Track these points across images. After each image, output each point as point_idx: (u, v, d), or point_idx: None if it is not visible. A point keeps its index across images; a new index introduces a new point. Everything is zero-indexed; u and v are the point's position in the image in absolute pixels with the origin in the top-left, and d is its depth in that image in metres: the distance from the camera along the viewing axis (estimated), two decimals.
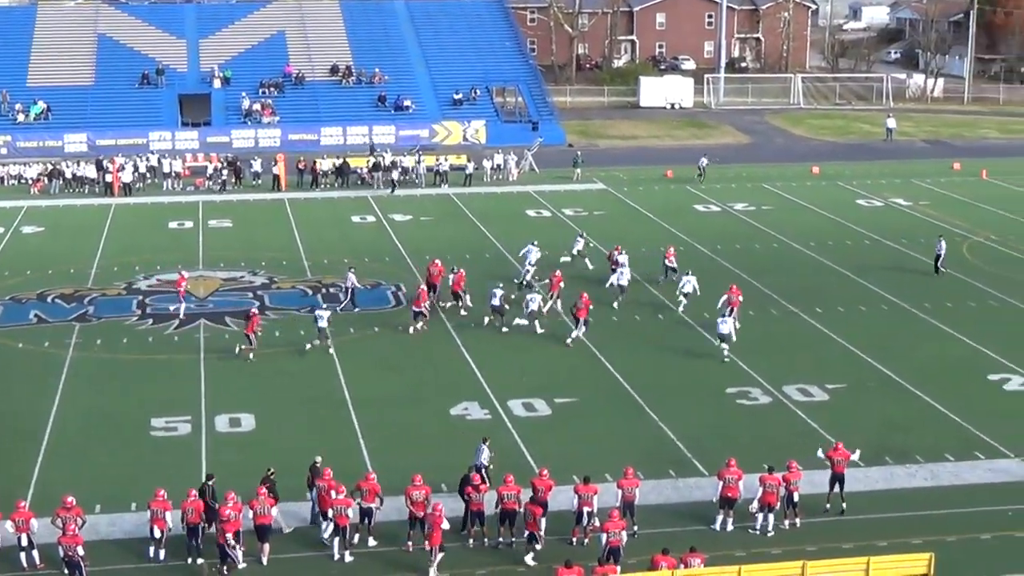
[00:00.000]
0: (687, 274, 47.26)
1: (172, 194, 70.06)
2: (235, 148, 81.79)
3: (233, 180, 71.43)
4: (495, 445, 31.65)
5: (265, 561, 27.60)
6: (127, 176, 69.61)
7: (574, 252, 52.63)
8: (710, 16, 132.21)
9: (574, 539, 28.51)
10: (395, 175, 70.87)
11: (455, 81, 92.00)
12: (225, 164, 72.70)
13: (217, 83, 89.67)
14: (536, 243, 51.67)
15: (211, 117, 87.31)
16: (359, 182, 71.99)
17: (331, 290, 49.44)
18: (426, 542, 27.37)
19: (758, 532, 29.14)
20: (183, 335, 43.98)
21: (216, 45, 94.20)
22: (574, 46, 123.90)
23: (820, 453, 30.82)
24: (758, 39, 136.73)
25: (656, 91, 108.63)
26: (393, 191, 69.62)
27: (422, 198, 68.55)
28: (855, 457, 30.63)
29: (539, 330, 43.62)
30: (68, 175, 71.04)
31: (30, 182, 71.14)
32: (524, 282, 48.57)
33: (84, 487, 30.24)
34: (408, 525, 28.24)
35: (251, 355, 41.09)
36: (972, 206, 66.64)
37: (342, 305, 46.42)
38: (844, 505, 30.15)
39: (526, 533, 28.00)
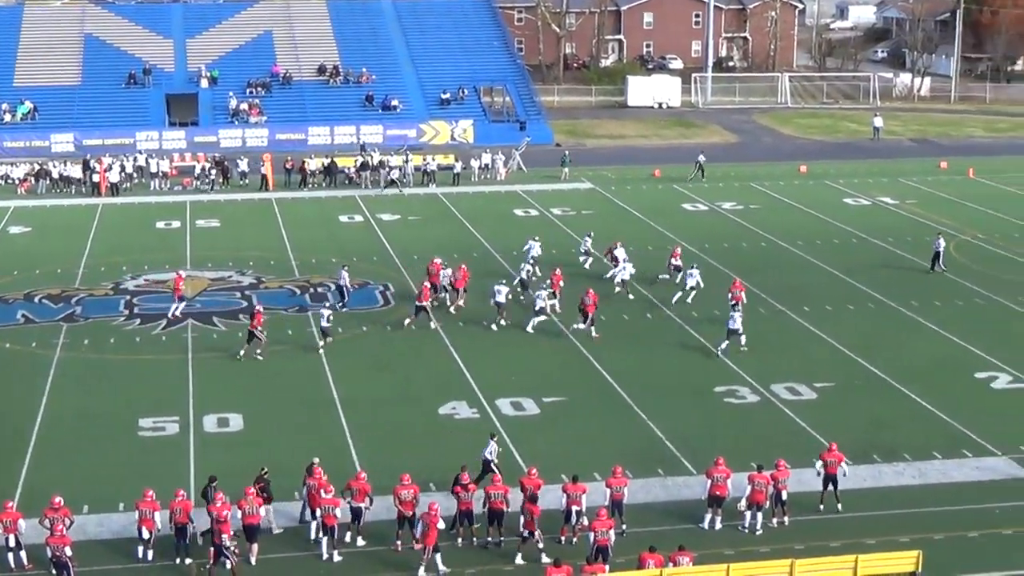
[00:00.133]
0: (693, 267, 47.79)
1: (159, 194, 69.94)
2: (222, 148, 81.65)
3: (221, 180, 71.35)
4: (482, 445, 31.61)
5: (254, 561, 27.55)
6: (114, 176, 69.46)
7: (583, 252, 52.85)
8: (697, 15, 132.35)
9: (562, 538, 28.50)
10: (396, 174, 70.83)
11: (443, 81, 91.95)
12: (212, 164, 72.60)
13: (204, 83, 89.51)
14: (537, 239, 51.93)
15: (198, 117, 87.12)
16: (347, 182, 71.95)
17: (319, 290, 49.41)
18: (414, 541, 27.38)
19: (746, 531, 29.17)
20: (171, 335, 43.89)
21: (203, 45, 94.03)
22: (562, 45, 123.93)
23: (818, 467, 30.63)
24: (745, 38, 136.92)
25: (644, 90, 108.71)
26: (395, 189, 69.62)
27: (410, 198, 68.51)
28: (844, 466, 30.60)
29: (529, 329, 43.73)
30: (55, 175, 70.88)
31: (17, 182, 70.93)
32: (522, 279, 48.64)
33: (72, 487, 30.16)
34: (397, 524, 28.23)
35: (260, 352, 41.13)
36: (959, 205, 66.81)
37: (343, 303, 46.35)
38: (839, 505, 30.17)
39: (525, 532, 27.96)
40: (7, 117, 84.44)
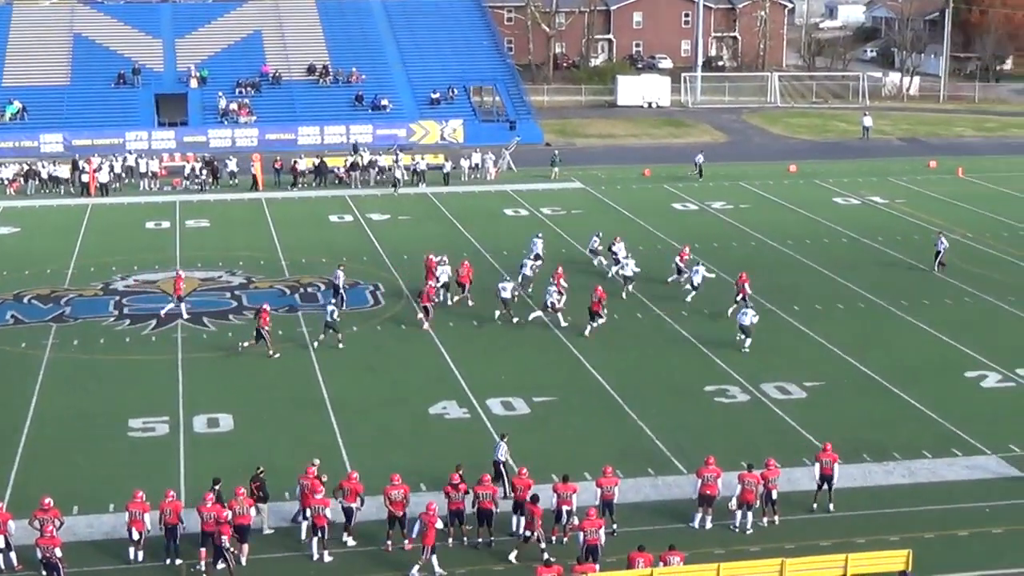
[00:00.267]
0: (697, 263, 48.19)
1: (149, 194, 69.82)
2: (212, 148, 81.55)
3: (210, 180, 71.23)
4: (473, 444, 31.69)
5: (244, 561, 27.52)
6: (104, 176, 69.37)
7: (590, 251, 52.92)
8: (687, 15, 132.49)
9: (553, 538, 28.49)
10: (398, 173, 70.70)
11: (432, 80, 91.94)
12: (202, 164, 72.48)
13: (194, 83, 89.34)
14: (541, 235, 52.04)
15: (188, 117, 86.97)
16: (336, 181, 71.90)
17: (309, 290, 49.37)
18: (405, 541, 27.35)
19: (737, 530, 29.20)
20: (160, 335, 43.80)
21: (192, 45, 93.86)
22: (551, 45, 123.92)
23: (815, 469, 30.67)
24: (735, 38, 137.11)
25: (633, 90, 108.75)
26: (396, 188, 69.59)
27: (400, 197, 68.47)
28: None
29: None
30: (44, 175, 70.72)
31: (6, 182, 70.72)
32: (525, 275, 48.63)
33: (62, 488, 30.11)
34: (387, 525, 28.22)
35: (273, 351, 41.15)
36: (948, 204, 66.92)
37: (338, 302, 46.29)
38: (831, 505, 30.22)
39: (527, 533, 27.90)
40: None
